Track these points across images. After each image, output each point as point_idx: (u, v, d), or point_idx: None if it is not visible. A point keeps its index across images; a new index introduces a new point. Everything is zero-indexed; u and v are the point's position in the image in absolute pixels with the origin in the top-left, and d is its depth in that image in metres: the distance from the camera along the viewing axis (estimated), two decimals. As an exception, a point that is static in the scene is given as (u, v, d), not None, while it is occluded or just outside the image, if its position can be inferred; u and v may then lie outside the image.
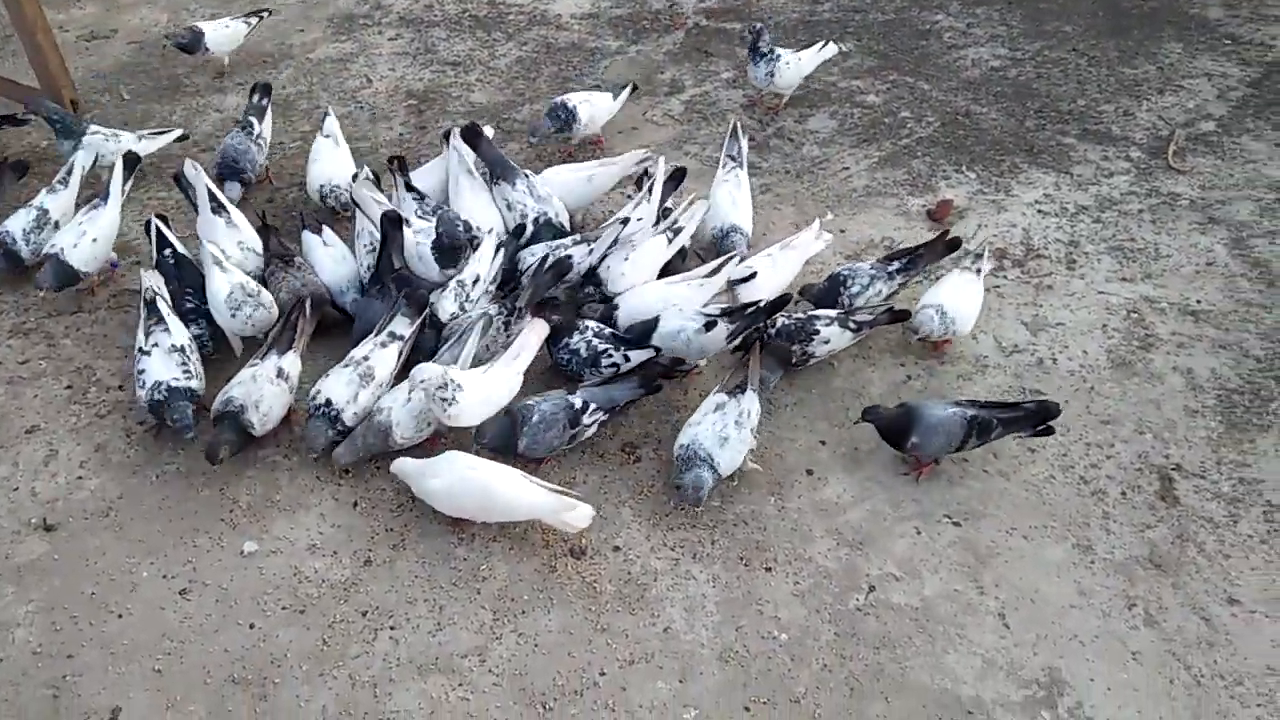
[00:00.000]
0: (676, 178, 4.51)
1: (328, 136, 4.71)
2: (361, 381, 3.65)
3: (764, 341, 3.78)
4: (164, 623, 3.26)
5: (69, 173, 4.46)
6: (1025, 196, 4.85)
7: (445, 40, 5.97)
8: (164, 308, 3.86)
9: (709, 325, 3.80)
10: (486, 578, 3.38)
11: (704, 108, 5.46)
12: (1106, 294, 4.34)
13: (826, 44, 5.16)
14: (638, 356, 3.87)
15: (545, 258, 4.11)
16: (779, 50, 4.93)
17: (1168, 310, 4.27)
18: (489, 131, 4.61)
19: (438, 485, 3.37)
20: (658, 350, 3.86)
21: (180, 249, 4.19)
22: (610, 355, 3.85)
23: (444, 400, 3.44)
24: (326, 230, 4.30)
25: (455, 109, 5.43)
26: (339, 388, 3.64)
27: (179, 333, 3.81)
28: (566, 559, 3.42)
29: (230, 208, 4.31)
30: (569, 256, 4.11)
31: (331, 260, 4.21)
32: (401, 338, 3.79)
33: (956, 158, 5.09)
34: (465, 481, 3.38)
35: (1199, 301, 4.30)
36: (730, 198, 4.42)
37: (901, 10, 6.19)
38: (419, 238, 4.12)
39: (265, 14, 5.72)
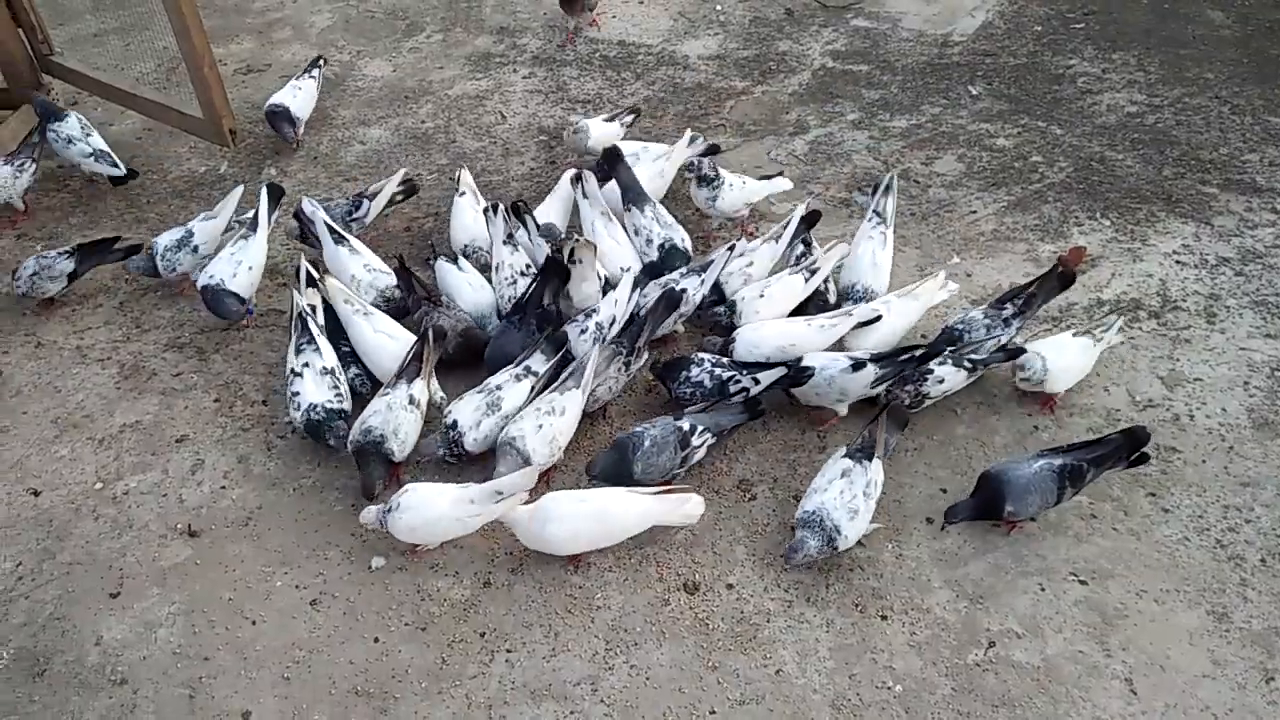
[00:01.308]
0: (810, 220, 4.53)
1: (463, 194, 4.81)
2: (489, 409, 3.77)
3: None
4: (294, 632, 3.41)
5: (226, 205, 4.72)
6: (1163, 246, 4.70)
7: (576, 79, 6.14)
8: (314, 327, 4.04)
9: (856, 366, 3.78)
10: (600, 607, 3.43)
11: (828, 149, 5.47)
12: (1248, 350, 4.16)
13: (779, 177, 4.86)
14: (768, 377, 3.87)
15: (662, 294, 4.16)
16: (723, 174, 4.71)
17: (1316, 370, 4.07)
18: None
19: (556, 529, 3.42)
20: (789, 367, 3.85)
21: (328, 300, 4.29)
22: (739, 380, 3.88)
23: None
24: (462, 259, 4.46)
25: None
26: (467, 411, 3.77)
27: (329, 354, 3.99)
28: (680, 593, 3.45)
29: (350, 237, 4.51)
30: (681, 289, 4.16)
31: (470, 288, 4.35)
32: (536, 374, 3.89)
33: (1090, 204, 4.97)
34: (580, 515, 3.44)
35: (1351, 363, 4.09)
36: (871, 257, 4.33)
37: (1034, 55, 6.09)
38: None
39: (322, 62, 5.95)
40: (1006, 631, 3.29)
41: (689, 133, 5.05)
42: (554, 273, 4.14)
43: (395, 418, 3.71)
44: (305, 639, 3.39)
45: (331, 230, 4.47)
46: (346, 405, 3.91)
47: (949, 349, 3.92)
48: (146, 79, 6.30)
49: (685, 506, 3.50)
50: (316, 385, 3.89)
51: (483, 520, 3.49)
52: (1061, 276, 4.10)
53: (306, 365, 3.92)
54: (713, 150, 5.15)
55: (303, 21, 6.95)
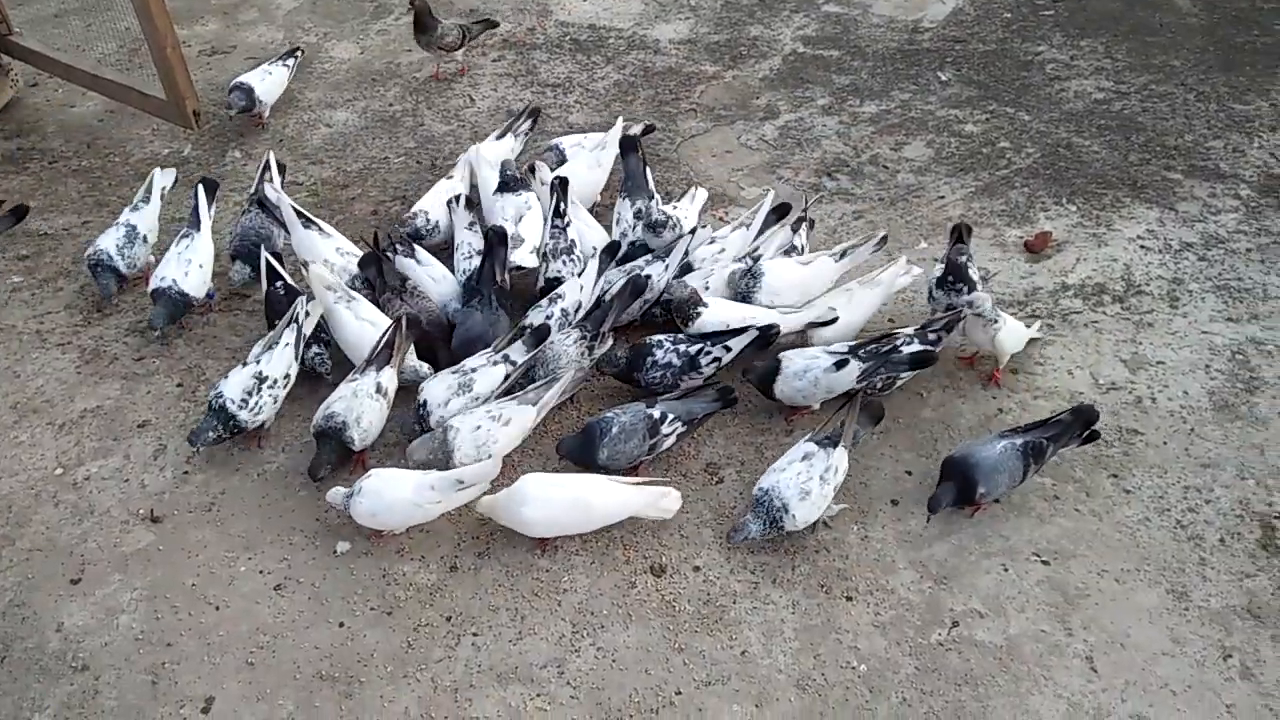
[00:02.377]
0: (780, 210, 4.53)
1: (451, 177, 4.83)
2: (459, 390, 3.75)
3: (863, 396, 3.73)
4: (258, 617, 3.39)
5: (149, 190, 4.62)
6: (1128, 231, 4.74)
7: (546, 63, 6.10)
8: (291, 336, 3.88)
9: (840, 364, 3.76)
10: (567, 590, 3.42)
11: (798, 134, 5.47)
12: (1210, 334, 4.21)
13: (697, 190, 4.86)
14: (740, 342, 3.86)
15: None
16: (671, 216, 4.50)
17: (1275, 353, 4.12)
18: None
19: (532, 512, 3.41)
20: (759, 330, 3.85)
21: (290, 281, 4.22)
22: (708, 351, 3.86)
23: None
24: (420, 250, 4.41)
25: (554, 129, 5.54)
26: (438, 389, 3.75)
27: (280, 365, 3.84)
28: (647, 575, 3.46)
29: (318, 220, 4.42)
30: (646, 275, 4.15)
31: (431, 280, 4.31)
32: (514, 364, 3.86)
33: (1056, 190, 5.01)
34: (558, 501, 3.44)
35: (1317, 349, 4.14)
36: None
37: (1003, 41, 6.12)
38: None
39: (299, 53, 5.87)
40: (970, 611, 3.32)
41: (620, 120, 5.00)
42: (498, 246, 4.17)
43: (359, 405, 3.68)
44: (269, 624, 3.37)
45: (300, 214, 4.41)
46: (245, 416, 3.76)
47: (915, 329, 3.95)
48: (109, 60, 6.20)
49: (663, 500, 3.50)
50: (239, 382, 3.77)
51: (444, 508, 3.47)
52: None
53: (258, 361, 3.83)
54: (648, 130, 5.18)
55: (269, 3, 6.86)
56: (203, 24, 6.63)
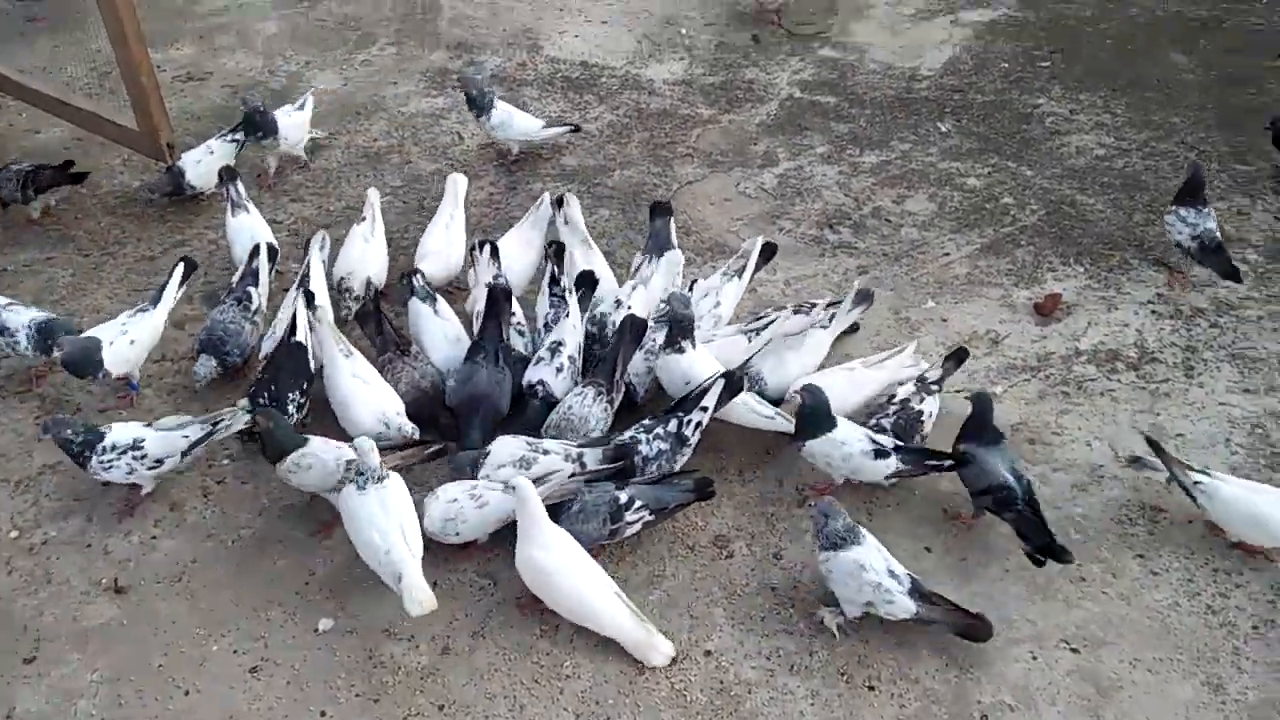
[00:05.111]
0: (768, 252, 4.38)
1: (363, 220, 4.50)
2: (519, 463, 3.50)
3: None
4: (232, 703, 3.12)
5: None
6: (1137, 295, 4.63)
7: (537, 100, 5.91)
8: (196, 432, 3.63)
9: (879, 454, 3.55)
10: (570, 676, 3.19)
11: (798, 183, 5.33)
12: (1228, 405, 4.10)
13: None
14: (712, 398, 3.61)
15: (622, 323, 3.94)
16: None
17: (1320, 426, 4.02)
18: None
19: (544, 574, 3.20)
20: (726, 376, 3.64)
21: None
22: (689, 421, 3.62)
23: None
24: (441, 301, 4.14)
25: (546, 171, 5.35)
26: (503, 450, 3.55)
27: (160, 444, 3.58)
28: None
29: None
30: (640, 319, 3.96)
31: (445, 339, 4.03)
32: (584, 467, 3.54)
33: (1063, 249, 4.90)
34: (568, 581, 3.21)
35: (1340, 420, 4.04)
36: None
37: (1002, 92, 6.04)
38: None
39: (257, 137, 5.04)
40: (999, 704, 3.14)
41: (546, 194, 4.66)
42: (503, 301, 3.96)
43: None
44: (244, 711, 3.10)
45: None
46: (146, 478, 3.59)
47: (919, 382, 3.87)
48: (77, 85, 5.90)
49: (652, 651, 3.21)
50: (164, 441, 3.59)
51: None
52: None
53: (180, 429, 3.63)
54: (559, 202, 4.60)
55: (249, 28, 6.62)
56: (178, 48, 6.37)
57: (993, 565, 3.51)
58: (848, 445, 3.55)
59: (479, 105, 5.14)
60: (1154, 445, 3.63)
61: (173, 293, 4.14)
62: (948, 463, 3.57)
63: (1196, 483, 3.48)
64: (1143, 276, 4.74)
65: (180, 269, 4.19)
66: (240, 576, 3.46)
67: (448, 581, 3.43)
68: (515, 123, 5.19)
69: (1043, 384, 4.14)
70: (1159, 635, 3.32)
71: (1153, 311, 4.56)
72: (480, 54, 6.30)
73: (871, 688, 3.17)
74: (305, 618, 3.34)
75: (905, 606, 3.18)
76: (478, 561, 3.50)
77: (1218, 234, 4.51)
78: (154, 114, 4.98)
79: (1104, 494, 3.75)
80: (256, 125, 4.94)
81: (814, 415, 3.57)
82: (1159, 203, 5.17)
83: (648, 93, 6.01)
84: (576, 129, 5.38)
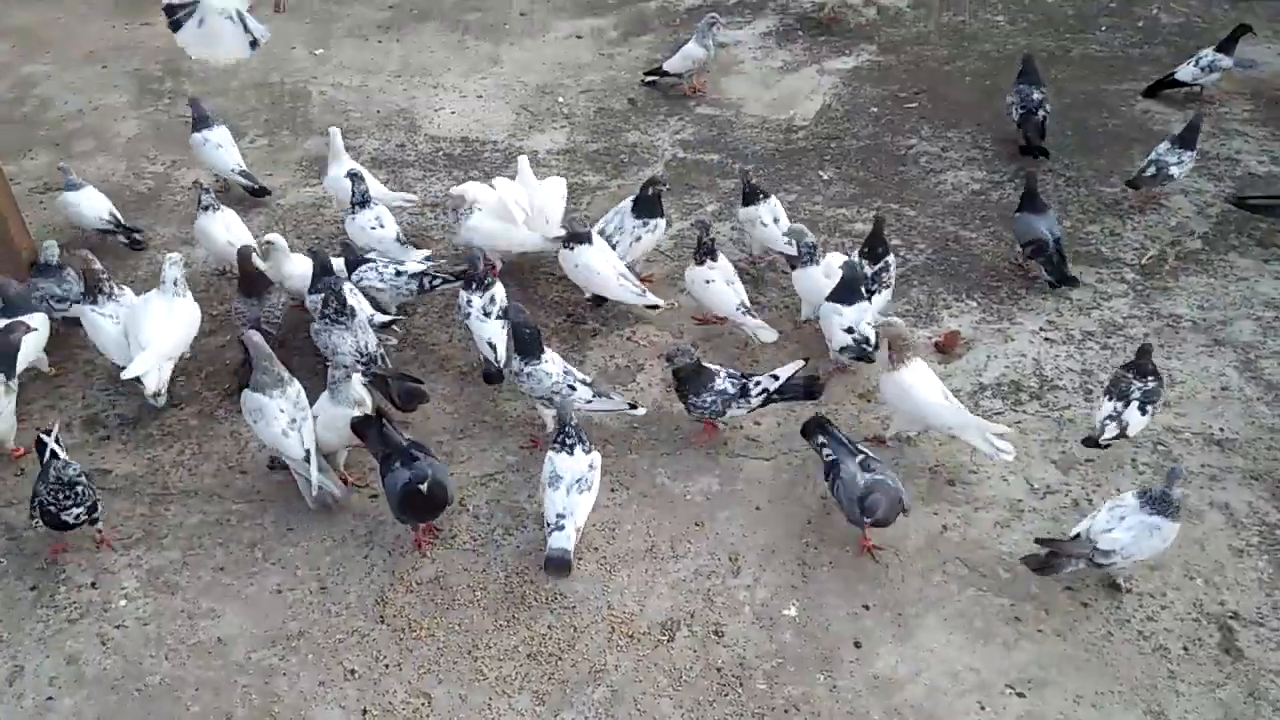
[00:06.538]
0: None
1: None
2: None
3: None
4: None
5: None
6: (1029, 324, 4.77)
7: (421, 180, 5.81)
8: None
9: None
10: (520, 791, 3.05)
11: (693, 242, 5.33)
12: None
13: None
14: (786, 371, 4.09)
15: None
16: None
17: (1192, 441, 4.17)
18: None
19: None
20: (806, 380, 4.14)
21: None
22: (758, 381, 4.06)
23: None
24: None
25: (439, 251, 5.23)
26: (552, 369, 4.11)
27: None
28: (608, 765, 3.11)
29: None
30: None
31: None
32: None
33: (955, 285, 5.02)
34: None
35: (1222, 430, 4.21)
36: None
37: (875, 136, 6.20)
38: None
39: (137, 237, 5.26)
40: (955, 761, 3.12)
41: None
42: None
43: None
44: None
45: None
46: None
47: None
48: (-78, 204, 5.53)
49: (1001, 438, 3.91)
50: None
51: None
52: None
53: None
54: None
55: (106, 130, 6.34)
56: (32, 158, 6.05)
57: (929, 616, 3.52)
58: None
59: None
60: (1044, 543, 3.57)
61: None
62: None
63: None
64: (1032, 305, 4.90)
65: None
66: (151, 729, 3.21)
67: (377, 707, 3.25)
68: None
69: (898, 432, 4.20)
70: (1097, 669, 3.36)
71: (1046, 339, 4.70)
72: (357, 138, 6.16)
73: (828, 761, 3.13)
74: (226, 767, 3.11)
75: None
76: (410, 682, 3.32)
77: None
78: (14, 231, 4.71)
79: (1025, 528, 3.82)
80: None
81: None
82: (1037, 231, 5.36)
83: (533, 164, 5.95)
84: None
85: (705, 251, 4.63)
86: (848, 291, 4.34)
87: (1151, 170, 5.32)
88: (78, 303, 4.42)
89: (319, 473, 3.76)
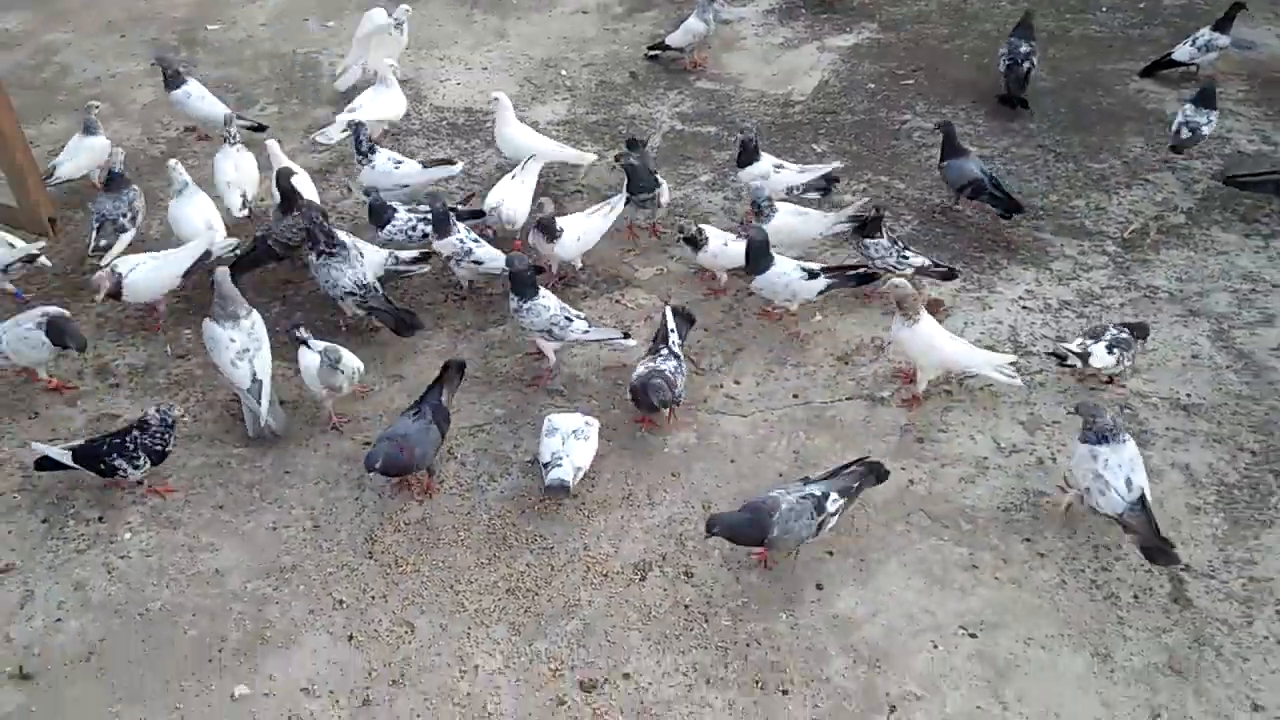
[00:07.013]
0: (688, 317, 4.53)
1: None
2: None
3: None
4: (151, 779, 3.08)
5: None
6: (1009, 293, 4.90)
7: (425, 148, 5.98)
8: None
9: (811, 276, 4.51)
10: (492, 714, 3.24)
11: (685, 210, 5.49)
12: (1098, 390, 4.36)
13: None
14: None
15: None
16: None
17: (1159, 405, 4.29)
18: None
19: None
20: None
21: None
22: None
23: None
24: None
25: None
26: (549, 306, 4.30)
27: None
28: (575, 691, 3.29)
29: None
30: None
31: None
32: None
33: (938, 256, 5.13)
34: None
35: (1189, 395, 4.33)
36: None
37: (870, 111, 6.32)
38: None
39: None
40: (906, 695, 3.28)
41: None
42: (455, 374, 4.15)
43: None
44: (163, 787, 3.06)
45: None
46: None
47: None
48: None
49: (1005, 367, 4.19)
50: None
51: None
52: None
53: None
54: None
55: (122, 96, 6.55)
56: (51, 122, 6.27)
57: (890, 561, 3.68)
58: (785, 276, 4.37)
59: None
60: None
61: None
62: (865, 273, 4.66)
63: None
64: (1013, 275, 5.02)
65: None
66: (151, 651, 3.42)
67: (363, 632, 3.45)
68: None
69: (927, 384, 4.34)
70: (1049, 613, 3.51)
71: (1024, 307, 4.83)
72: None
73: (785, 691, 3.29)
74: (220, 686, 3.31)
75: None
76: (394, 609, 3.52)
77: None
78: (33, 190, 4.91)
79: (989, 483, 3.96)
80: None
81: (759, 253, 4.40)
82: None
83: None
84: (451, 162, 5.46)
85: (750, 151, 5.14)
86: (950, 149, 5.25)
87: (1186, 133, 5.55)
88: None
89: (266, 404, 4.01)
